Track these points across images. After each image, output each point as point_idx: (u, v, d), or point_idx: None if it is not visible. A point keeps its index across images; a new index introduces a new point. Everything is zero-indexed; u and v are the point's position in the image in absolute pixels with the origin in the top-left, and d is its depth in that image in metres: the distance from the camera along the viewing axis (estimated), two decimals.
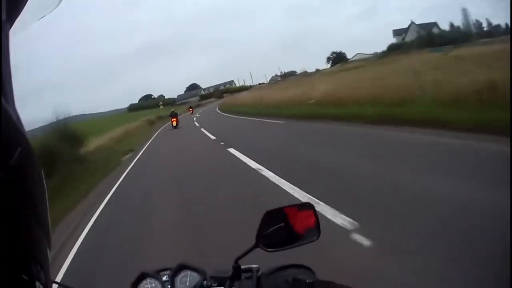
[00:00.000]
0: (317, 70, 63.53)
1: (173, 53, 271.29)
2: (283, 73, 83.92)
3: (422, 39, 39.78)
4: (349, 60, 60.72)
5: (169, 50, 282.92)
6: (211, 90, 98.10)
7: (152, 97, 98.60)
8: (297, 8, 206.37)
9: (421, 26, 50.57)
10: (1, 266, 0.33)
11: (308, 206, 0.91)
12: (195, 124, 22.69)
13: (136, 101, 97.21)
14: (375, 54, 53.63)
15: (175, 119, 23.34)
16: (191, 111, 41.53)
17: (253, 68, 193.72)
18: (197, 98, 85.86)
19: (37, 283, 0.37)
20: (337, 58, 65.99)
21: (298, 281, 0.81)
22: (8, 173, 0.34)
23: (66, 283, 0.92)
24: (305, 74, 63.69)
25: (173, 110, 25.55)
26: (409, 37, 48.45)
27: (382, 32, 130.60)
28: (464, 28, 44.00)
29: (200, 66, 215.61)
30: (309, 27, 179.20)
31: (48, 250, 0.41)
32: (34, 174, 0.39)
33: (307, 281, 0.79)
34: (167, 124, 29.99)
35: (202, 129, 17.87)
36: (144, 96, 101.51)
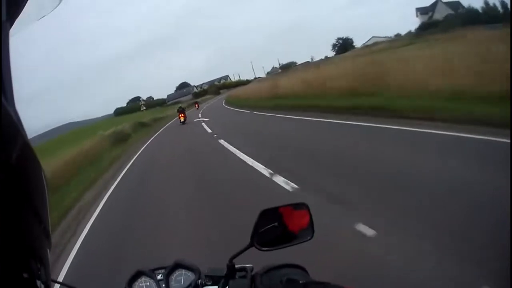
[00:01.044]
0: (326, 57, 62.68)
1: (161, 53, 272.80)
2: (281, 64, 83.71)
3: (462, 17, 37.26)
4: (362, 45, 59.58)
5: (157, 50, 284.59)
6: (205, 87, 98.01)
7: (141, 99, 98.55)
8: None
9: (447, 4, 49.89)
10: (2, 264, 0.35)
11: (303, 206, 0.97)
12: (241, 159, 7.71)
13: (125, 104, 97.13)
14: (388, 37, 52.77)
15: (182, 115, 24.31)
16: (197, 107, 41.22)
17: (247, 62, 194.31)
18: (189, 96, 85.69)
19: (38, 282, 0.40)
20: (344, 45, 65.30)
21: (292, 281, 0.88)
22: (8, 173, 0.36)
23: (65, 282, 0.97)
24: (307, 64, 63.29)
25: (180, 105, 27.87)
26: (437, 16, 47.25)
27: (383, 16, 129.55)
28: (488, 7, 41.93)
29: (190, 64, 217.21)
30: (303, 17, 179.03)
31: (48, 249, 0.44)
32: (35, 174, 0.42)
33: (301, 282, 0.86)
34: (154, 137, 19.90)
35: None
36: (132, 98, 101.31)
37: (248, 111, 20.23)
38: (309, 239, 0.95)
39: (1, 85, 0.40)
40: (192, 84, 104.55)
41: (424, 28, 42.25)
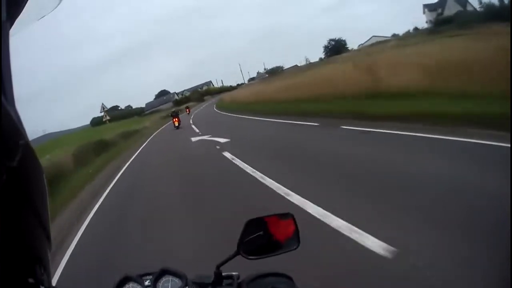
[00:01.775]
0: (321, 59, 62.13)
1: (140, 61, 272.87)
2: (267, 69, 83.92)
3: (480, 13, 35.48)
4: (360, 45, 58.96)
5: (136, 58, 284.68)
6: (187, 94, 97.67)
7: (119, 108, 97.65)
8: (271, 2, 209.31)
9: (456, 0, 49.44)
10: (7, 269, 0.36)
11: (288, 215, 1.03)
12: None
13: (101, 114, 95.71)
14: (387, 37, 52.53)
15: (176, 119, 24.43)
16: (188, 111, 41.56)
17: (230, 68, 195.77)
18: (169, 104, 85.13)
19: (42, 287, 0.42)
20: (336, 46, 63.72)
21: None
22: (9, 174, 0.37)
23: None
24: (295, 67, 63.42)
25: (173, 110, 29.12)
26: (447, 12, 46.59)
27: (376, 17, 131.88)
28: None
29: (170, 71, 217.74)
30: (284, 21, 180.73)
31: (48, 250, 0.45)
32: (35, 175, 0.43)
33: None
34: (113, 185, 9.80)
35: None
36: (110, 108, 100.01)
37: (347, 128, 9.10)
38: (295, 249, 1.00)
39: (1, 85, 0.42)
40: (174, 90, 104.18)
41: (438, 25, 40.90)
